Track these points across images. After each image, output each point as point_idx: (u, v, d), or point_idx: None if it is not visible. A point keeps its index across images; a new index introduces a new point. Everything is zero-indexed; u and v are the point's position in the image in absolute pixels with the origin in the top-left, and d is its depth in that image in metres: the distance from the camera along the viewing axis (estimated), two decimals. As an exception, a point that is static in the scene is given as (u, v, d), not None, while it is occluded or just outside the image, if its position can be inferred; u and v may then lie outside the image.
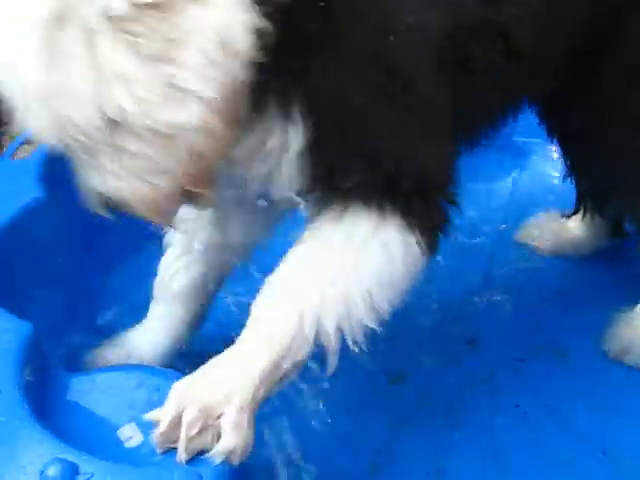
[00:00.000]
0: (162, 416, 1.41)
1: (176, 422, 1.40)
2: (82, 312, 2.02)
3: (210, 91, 1.39)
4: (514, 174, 2.82)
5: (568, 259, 2.45)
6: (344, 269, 1.54)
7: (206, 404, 1.41)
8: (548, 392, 2.06)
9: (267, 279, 1.56)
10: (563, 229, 2.47)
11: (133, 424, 1.52)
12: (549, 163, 2.76)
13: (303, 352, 1.52)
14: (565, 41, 1.85)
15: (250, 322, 1.54)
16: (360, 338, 1.57)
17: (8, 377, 1.54)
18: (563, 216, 2.48)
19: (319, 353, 1.56)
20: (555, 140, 2.19)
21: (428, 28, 1.60)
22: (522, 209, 2.62)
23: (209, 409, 1.41)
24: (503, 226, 2.59)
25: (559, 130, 2.16)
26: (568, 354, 2.16)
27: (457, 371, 2.12)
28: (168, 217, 1.60)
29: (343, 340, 1.56)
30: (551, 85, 1.96)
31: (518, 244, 2.51)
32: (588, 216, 2.38)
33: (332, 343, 1.54)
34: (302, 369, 1.56)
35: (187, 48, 1.36)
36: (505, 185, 2.78)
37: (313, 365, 1.78)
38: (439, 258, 2.34)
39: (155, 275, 1.97)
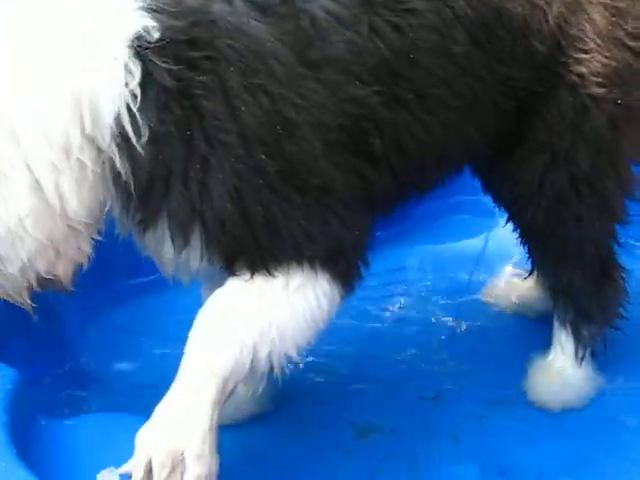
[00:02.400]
0: (134, 468, 1.55)
1: (148, 469, 1.55)
2: (64, 358, 2.08)
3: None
4: (483, 234, 2.90)
5: (526, 317, 2.54)
6: (278, 311, 1.70)
7: (171, 447, 1.56)
8: (510, 446, 2.13)
9: (197, 317, 1.69)
10: (521, 289, 2.57)
11: (112, 468, 1.61)
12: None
13: (242, 375, 1.68)
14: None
15: (189, 353, 1.67)
16: (282, 365, 1.74)
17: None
18: (520, 277, 2.57)
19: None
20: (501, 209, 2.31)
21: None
22: (489, 268, 2.71)
23: (174, 451, 1.56)
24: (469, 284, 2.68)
25: (499, 203, 2.26)
26: (528, 408, 2.24)
27: (422, 425, 2.19)
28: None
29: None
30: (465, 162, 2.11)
31: (482, 303, 2.61)
32: (540, 279, 2.43)
33: (263, 369, 1.70)
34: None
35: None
36: (474, 245, 2.87)
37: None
38: (408, 314, 2.50)
39: (136, 323, 2.04)
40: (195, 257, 1.70)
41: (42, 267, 1.66)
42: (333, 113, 1.71)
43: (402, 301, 2.57)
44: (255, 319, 1.69)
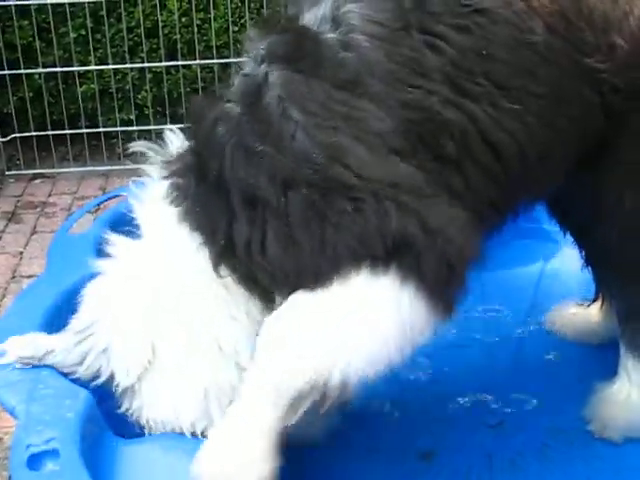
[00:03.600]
0: None
1: None
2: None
3: None
4: (542, 260, 2.90)
5: (590, 345, 2.53)
6: (340, 324, 1.66)
7: (229, 477, 1.59)
8: (572, 476, 2.12)
9: (260, 336, 1.71)
10: (584, 317, 2.56)
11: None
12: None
13: (311, 397, 1.66)
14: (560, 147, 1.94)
15: (251, 373, 1.68)
16: (357, 386, 1.69)
17: (68, 440, 1.65)
18: (584, 304, 2.57)
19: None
20: (567, 232, 2.30)
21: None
22: (549, 295, 2.70)
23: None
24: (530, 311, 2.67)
25: (567, 224, 2.27)
26: (592, 437, 2.23)
27: (484, 451, 2.19)
28: None
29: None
30: (550, 185, 2.06)
31: (545, 330, 2.60)
32: (607, 304, 2.45)
33: (333, 392, 1.67)
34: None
35: None
36: (534, 270, 2.85)
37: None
38: (470, 340, 2.50)
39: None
40: None
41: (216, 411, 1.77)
42: (385, 122, 1.71)
43: (464, 327, 2.57)
44: (322, 336, 1.66)
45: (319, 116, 1.70)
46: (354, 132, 1.70)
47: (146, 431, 1.82)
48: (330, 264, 1.68)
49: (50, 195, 4.45)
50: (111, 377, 1.80)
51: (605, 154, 2.00)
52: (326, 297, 1.68)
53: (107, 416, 1.82)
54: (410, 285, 1.68)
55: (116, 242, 1.90)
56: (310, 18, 1.78)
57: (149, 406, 1.81)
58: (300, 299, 1.70)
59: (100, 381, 1.81)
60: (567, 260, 2.83)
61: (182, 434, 1.80)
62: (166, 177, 1.85)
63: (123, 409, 1.83)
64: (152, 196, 1.87)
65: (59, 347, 1.82)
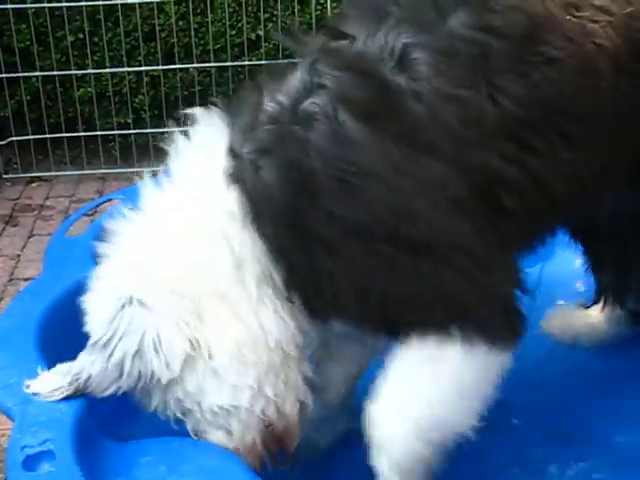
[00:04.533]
0: None
1: None
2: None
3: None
4: (540, 264, 2.90)
5: (589, 348, 2.52)
6: (444, 386, 1.77)
7: None
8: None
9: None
10: (584, 320, 2.55)
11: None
12: (574, 253, 2.84)
13: (417, 464, 1.81)
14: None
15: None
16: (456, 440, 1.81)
17: (63, 442, 1.65)
18: (583, 307, 2.57)
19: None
20: (576, 237, 2.31)
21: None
22: (546, 299, 2.70)
23: None
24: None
25: (580, 228, 2.27)
26: (590, 442, 2.22)
27: (481, 455, 2.15)
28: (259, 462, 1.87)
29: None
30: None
31: (543, 334, 2.58)
32: (608, 308, 2.47)
33: (432, 455, 1.81)
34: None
35: None
36: (530, 275, 2.85)
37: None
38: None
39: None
40: None
41: (270, 392, 1.79)
42: (453, 186, 1.72)
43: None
44: (411, 405, 1.78)
45: (392, 178, 1.69)
46: (427, 194, 1.71)
47: (194, 426, 1.81)
48: (391, 320, 1.78)
49: (47, 198, 4.46)
50: (150, 376, 1.74)
51: None
52: (415, 369, 1.78)
53: (103, 418, 1.81)
54: (479, 346, 1.76)
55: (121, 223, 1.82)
56: (370, 46, 1.72)
57: (201, 395, 1.76)
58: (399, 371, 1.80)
59: (141, 385, 1.75)
60: (564, 263, 2.85)
61: (182, 435, 1.81)
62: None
63: (155, 405, 1.79)
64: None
65: (93, 370, 1.73)
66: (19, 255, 3.90)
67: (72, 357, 1.95)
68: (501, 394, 2.29)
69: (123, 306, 1.73)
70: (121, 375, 1.72)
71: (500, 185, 1.76)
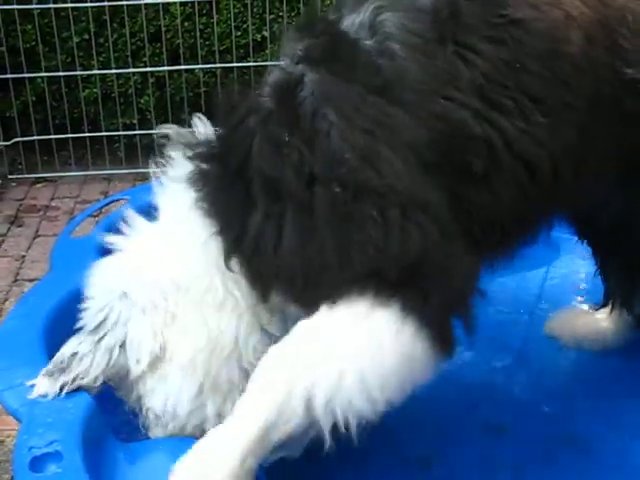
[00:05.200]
0: None
1: None
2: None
3: None
4: (544, 267, 2.90)
5: (594, 352, 2.52)
6: (336, 351, 1.66)
7: None
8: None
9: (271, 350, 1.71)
10: (590, 323, 2.55)
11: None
12: (579, 257, 2.84)
13: (292, 424, 1.65)
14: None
15: (243, 396, 1.69)
16: (353, 422, 1.67)
17: (70, 444, 1.66)
18: (590, 309, 2.56)
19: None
20: (586, 242, 2.31)
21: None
22: (551, 302, 2.70)
23: None
24: (532, 317, 2.67)
25: (588, 230, 2.27)
26: (588, 445, 2.21)
27: (485, 456, 2.18)
28: None
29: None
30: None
31: (547, 336, 2.58)
32: (616, 312, 2.47)
33: (323, 420, 1.65)
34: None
35: None
36: (537, 277, 2.86)
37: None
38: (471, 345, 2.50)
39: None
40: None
41: (211, 410, 1.80)
42: (416, 132, 1.71)
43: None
44: (311, 363, 1.66)
45: (353, 118, 1.70)
46: (387, 139, 1.70)
47: (143, 421, 1.84)
48: (342, 271, 1.67)
49: (52, 199, 4.46)
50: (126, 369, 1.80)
51: None
52: (328, 323, 1.68)
53: (110, 419, 1.82)
54: (413, 321, 1.67)
55: (131, 222, 1.90)
56: (349, 24, 1.79)
57: (149, 395, 1.81)
58: (304, 324, 1.71)
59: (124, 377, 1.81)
60: (569, 266, 2.86)
61: (185, 437, 1.81)
62: (189, 160, 1.82)
63: (129, 400, 1.84)
64: (173, 178, 1.86)
65: (82, 350, 1.79)
66: (24, 256, 3.90)
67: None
68: (505, 395, 2.35)
69: (115, 299, 1.80)
70: (108, 364, 1.78)
71: (467, 143, 1.74)
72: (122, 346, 1.79)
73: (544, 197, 1.86)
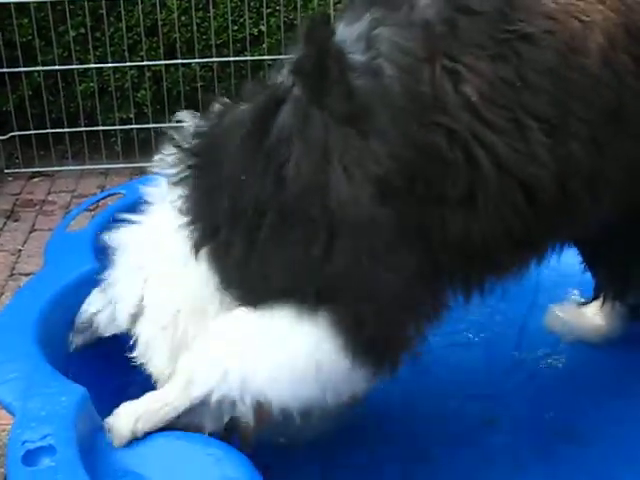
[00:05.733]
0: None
1: None
2: (132, 375, 2.12)
3: None
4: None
5: (590, 345, 2.52)
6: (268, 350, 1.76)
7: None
8: (569, 477, 2.12)
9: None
10: (584, 315, 2.55)
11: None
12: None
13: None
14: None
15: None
16: (278, 416, 1.79)
17: (63, 437, 1.65)
18: (583, 304, 2.56)
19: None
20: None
21: None
22: (548, 296, 2.70)
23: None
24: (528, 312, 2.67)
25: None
26: (585, 438, 2.22)
27: (482, 449, 2.18)
28: None
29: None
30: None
31: (544, 331, 2.58)
32: (607, 304, 2.46)
33: (249, 415, 1.78)
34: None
35: None
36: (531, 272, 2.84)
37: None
38: (467, 340, 2.50)
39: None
40: None
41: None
42: (383, 162, 1.68)
43: (461, 326, 2.57)
44: (222, 353, 1.78)
45: (313, 149, 1.70)
46: (345, 172, 1.69)
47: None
48: (274, 284, 1.76)
49: (49, 193, 4.46)
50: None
51: None
52: (256, 321, 1.78)
53: (103, 412, 1.81)
54: (337, 337, 1.72)
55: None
56: (347, 34, 1.75)
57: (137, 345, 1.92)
58: (236, 314, 1.81)
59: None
60: (564, 260, 2.85)
61: (180, 430, 1.82)
62: (178, 159, 1.90)
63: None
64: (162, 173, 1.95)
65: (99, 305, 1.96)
66: (20, 250, 3.90)
67: (73, 353, 1.97)
68: (501, 390, 2.35)
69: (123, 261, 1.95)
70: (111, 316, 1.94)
71: (443, 168, 1.70)
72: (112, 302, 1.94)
73: (549, 219, 1.80)
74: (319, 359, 1.73)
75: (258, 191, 1.74)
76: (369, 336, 1.73)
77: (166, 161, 1.92)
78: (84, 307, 1.99)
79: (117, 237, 1.98)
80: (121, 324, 1.93)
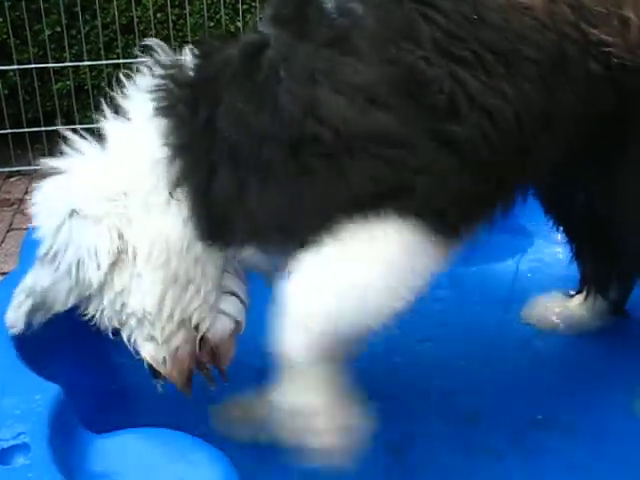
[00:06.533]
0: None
1: None
2: (109, 373, 2.13)
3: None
4: (518, 255, 2.91)
5: (569, 338, 2.53)
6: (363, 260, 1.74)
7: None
8: (550, 467, 2.12)
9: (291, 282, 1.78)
10: (565, 309, 2.56)
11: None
12: (552, 245, 2.85)
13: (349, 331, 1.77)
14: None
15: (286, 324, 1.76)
16: (385, 323, 1.78)
17: (37, 435, 1.64)
18: (565, 296, 2.57)
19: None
20: (561, 228, 2.31)
21: None
22: (525, 289, 2.71)
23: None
24: (507, 304, 2.67)
25: (562, 215, 2.27)
26: (569, 429, 2.22)
27: (458, 443, 2.18)
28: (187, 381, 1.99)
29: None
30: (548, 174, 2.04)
31: (522, 323, 2.59)
32: (590, 298, 2.48)
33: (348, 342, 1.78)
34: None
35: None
36: (509, 265, 2.86)
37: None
38: (444, 333, 2.50)
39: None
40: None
41: (176, 300, 1.88)
42: (366, 73, 1.72)
43: (440, 321, 2.57)
44: (334, 280, 1.74)
45: (301, 73, 1.72)
46: (333, 85, 1.72)
47: (125, 334, 1.92)
48: (321, 219, 1.74)
49: (27, 192, 4.43)
50: (89, 283, 1.85)
51: (623, 138, 1.96)
52: (334, 247, 1.74)
53: (78, 410, 1.80)
54: (410, 222, 1.73)
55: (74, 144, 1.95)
56: None
57: (123, 294, 1.88)
58: (316, 260, 1.76)
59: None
60: (543, 253, 2.87)
61: (156, 429, 1.81)
62: (161, 78, 1.88)
63: (94, 312, 1.90)
64: (140, 88, 1.91)
65: (45, 282, 1.85)
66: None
67: (48, 351, 1.96)
68: (479, 381, 2.35)
69: (65, 219, 1.86)
70: (71, 285, 1.85)
71: (422, 81, 1.74)
72: (79, 263, 1.84)
73: (511, 153, 1.84)
74: (409, 250, 1.76)
75: (259, 125, 1.73)
76: (430, 212, 1.76)
77: (145, 89, 1.88)
78: (28, 284, 1.89)
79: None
80: (91, 284, 1.85)
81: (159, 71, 1.89)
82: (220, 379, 2.07)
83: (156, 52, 1.95)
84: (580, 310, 2.53)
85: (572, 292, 2.55)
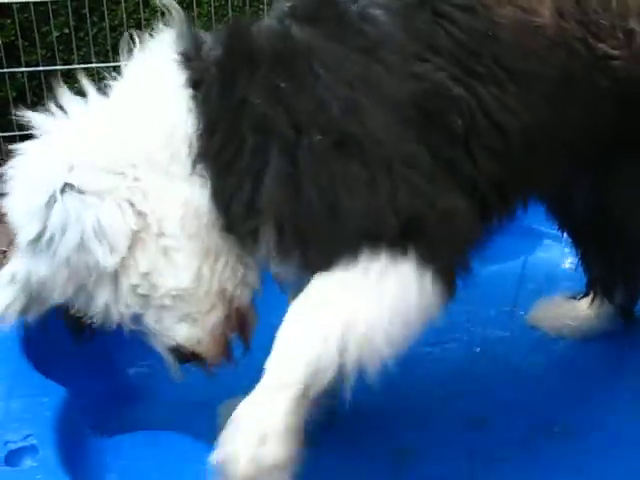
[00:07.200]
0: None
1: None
2: (113, 375, 2.13)
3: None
4: (524, 257, 2.90)
5: (577, 341, 2.53)
6: (363, 301, 1.64)
7: (251, 457, 1.54)
8: (555, 472, 2.11)
9: (287, 312, 1.67)
10: (572, 312, 2.55)
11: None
12: (559, 247, 2.85)
13: (327, 376, 1.62)
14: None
15: (271, 357, 1.63)
16: (376, 370, 1.66)
17: (45, 437, 1.65)
18: (572, 299, 2.57)
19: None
20: (566, 232, 2.31)
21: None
22: (531, 292, 2.70)
23: (257, 461, 1.55)
24: (513, 308, 2.67)
25: (567, 220, 2.27)
26: (574, 434, 2.21)
27: (463, 448, 2.17)
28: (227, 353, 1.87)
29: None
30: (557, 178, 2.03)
31: (528, 326, 2.59)
32: (597, 301, 2.48)
33: (353, 366, 1.63)
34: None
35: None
36: (515, 267, 2.85)
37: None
38: (450, 338, 2.50)
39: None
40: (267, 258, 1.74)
41: (213, 272, 1.77)
42: (397, 89, 1.71)
43: (446, 326, 2.56)
44: (338, 312, 1.62)
45: (337, 71, 1.70)
46: (369, 93, 1.70)
47: (151, 319, 1.76)
48: (340, 231, 1.65)
49: (34, 194, 4.43)
50: (97, 267, 1.66)
51: (633, 145, 1.98)
52: (351, 276, 1.64)
53: (85, 413, 1.81)
54: (429, 268, 1.66)
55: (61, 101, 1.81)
56: None
57: (152, 275, 1.71)
58: (323, 280, 1.67)
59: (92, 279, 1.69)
60: (548, 256, 2.86)
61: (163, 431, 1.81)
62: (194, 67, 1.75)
63: (104, 302, 1.73)
64: (162, 44, 1.79)
65: (42, 272, 1.69)
66: (5, 251, 3.89)
67: (55, 354, 1.96)
68: (485, 385, 2.35)
69: (56, 195, 1.65)
70: (71, 273, 1.66)
71: (449, 105, 1.74)
72: (81, 247, 1.65)
73: (518, 167, 1.84)
74: (423, 298, 1.67)
75: (299, 105, 1.67)
76: (447, 260, 1.72)
77: (169, 60, 1.75)
78: (19, 275, 1.74)
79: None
80: (103, 270, 1.66)
81: (186, 44, 1.77)
82: (244, 350, 1.94)
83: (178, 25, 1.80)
84: (587, 314, 2.52)
85: (579, 295, 2.54)
